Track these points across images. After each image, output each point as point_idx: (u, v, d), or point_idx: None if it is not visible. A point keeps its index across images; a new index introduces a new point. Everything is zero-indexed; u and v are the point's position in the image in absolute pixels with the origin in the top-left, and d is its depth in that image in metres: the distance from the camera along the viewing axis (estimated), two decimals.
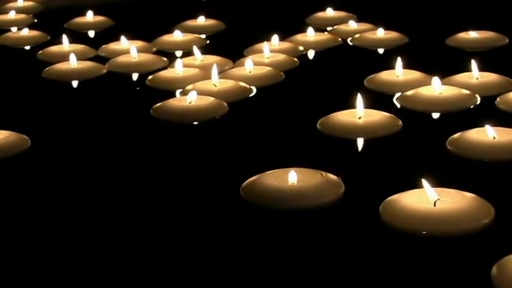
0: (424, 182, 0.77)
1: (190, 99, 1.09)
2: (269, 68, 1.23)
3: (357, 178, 0.88)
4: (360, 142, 0.98)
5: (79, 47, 1.42)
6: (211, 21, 1.56)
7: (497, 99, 1.07)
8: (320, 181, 0.83)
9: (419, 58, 1.31)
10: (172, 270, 0.73)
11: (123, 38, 1.42)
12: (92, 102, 1.20)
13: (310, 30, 1.43)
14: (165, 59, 1.33)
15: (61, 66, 1.30)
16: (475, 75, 1.15)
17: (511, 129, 0.93)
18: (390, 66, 1.20)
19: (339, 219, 0.81)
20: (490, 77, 1.15)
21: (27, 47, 1.47)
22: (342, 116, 1.01)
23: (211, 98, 1.11)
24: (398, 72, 1.18)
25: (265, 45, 1.32)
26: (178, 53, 1.39)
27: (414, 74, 1.18)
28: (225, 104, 1.11)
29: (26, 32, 1.49)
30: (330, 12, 1.58)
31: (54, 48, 1.42)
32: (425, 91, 1.10)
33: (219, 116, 1.08)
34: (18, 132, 1.01)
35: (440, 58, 1.34)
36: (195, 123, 1.07)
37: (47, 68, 1.31)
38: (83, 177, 0.94)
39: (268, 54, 1.29)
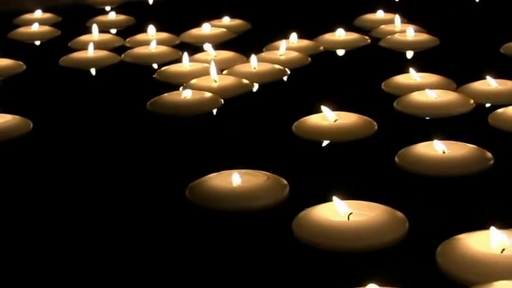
0: (335, 198, 0.74)
1: (185, 94, 1.09)
2: (273, 65, 1.22)
3: (306, 181, 0.86)
4: (325, 144, 0.96)
5: (107, 36, 1.44)
6: (237, 21, 1.54)
7: (494, 112, 1.01)
8: (264, 183, 0.81)
9: (451, 62, 1.28)
10: (113, 267, 0.73)
11: (150, 28, 1.43)
12: (101, 91, 1.22)
13: (340, 29, 1.40)
14: (179, 52, 1.34)
15: (77, 54, 1.33)
16: (491, 82, 1.10)
17: (464, 143, 0.88)
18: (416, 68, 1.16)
19: (271, 225, 0.78)
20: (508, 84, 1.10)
21: (37, 42, 1.49)
22: (317, 119, 0.99)
23: (206, 93, 1.11)
24: (416, 76, 1.14)
25: (282, 43, 1.31)
26: (207, 47, 1.38)
27: (433, 78, 1.14)
28: (220, 99, 1.10)
29: (36, 27, 1.51)
30: (380, 14, 1.52)
31: (84, 38, 1.44)
32: (419, 96, 1.06)
33: (208, 110, 1.08)
34: (29, 117, 1.05)
35: (473, 63, 1.28)
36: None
37: (63, 57, 1.34)
38: (69, 163, 0.95)
39: (282, 52, 1.27)
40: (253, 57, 1.21)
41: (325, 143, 0.96)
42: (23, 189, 0.89)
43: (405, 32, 1.38)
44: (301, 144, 0.97)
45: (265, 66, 1.21)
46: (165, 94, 1.12)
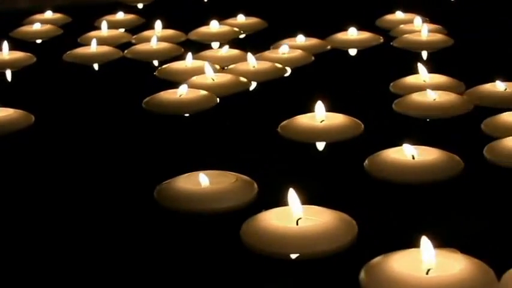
0: (291, 199, 0.71)
1: (180, 92, 1.07)
2: (272, 63, 1.20)
3: (278, 183, 0.81)
4: (321, 145, 0.93)
5: (116, 32, 1.44)
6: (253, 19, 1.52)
7: (489, 118, 0.96)
8: (231, 185, 0.79)
9: (465, 63, 1.24)
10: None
11: (157, 24, 1.42)
12: (101, 87, 1.22)
13: (352, 29, 1.36)
14: (181, 48, 1.33)
15: (80, 50, 1.33)
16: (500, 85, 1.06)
17: (433, 148, 0.84)
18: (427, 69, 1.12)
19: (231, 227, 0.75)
20: None
21: (39, 41, 1.47)
22: (304, 119, 0.96)
23: (202, 91, 1.09)
24: (425, 77, 1.10)
25: (287, 41, 1.30)
26: (215, 45, 1.37)
27: (442, 79, 1.11)
28: (216, 97, 1.08)
29: (38, 26, 1.49)
30: (399, 15, 1.48)
31: (92, 34, 1.43)
32: (418, 96, 1.03)
33: (203, 109, 1.06)
34: (30, 111, 1.05)
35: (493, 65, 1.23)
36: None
37: (67, 52, 1.33)
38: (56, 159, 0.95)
39: (285, 50, 1.25)
40: (250, 56, 1.19)
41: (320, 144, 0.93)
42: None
43: (419, 32, 1.33)
44: (285, 145, 0.94)
45: (265, 65, 1.19)
46: (161, 92, 1.10)
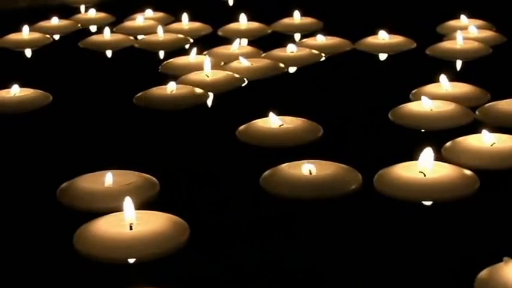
0: (127, 202, 0.69)
1: (171, 89, 1.05)
2: (268, 61, 1.17)
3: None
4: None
5: (149, 23, 1.43)
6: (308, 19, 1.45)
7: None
8: (125, 186, 0.77)
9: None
10: None
11: (184, 16, 1.41)
12: (108, 75, 1.21)
13: (382, 32, 1.29)
14: (189, 39, 1.32)
15: (95, 38, 1.35)
16: None
17: (333, 162, 0.79)
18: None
19: None
20: None
21: (57, 36, 1.44)
22: (262, 123, 0.92)
23: (192, 87, 1.07)
24: (447, 86, 1.04)
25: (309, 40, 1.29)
26: (244, 41, 1.34)
27: (464, 88, 1.04)
28: (207, 94, 1.06)
29: (56, 21, 1.47)
30: (464, 20, 1.38)
31: (128, 24, 1.44)
32: (414, 106, 0.98)
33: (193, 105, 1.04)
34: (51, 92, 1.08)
35: None
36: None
37: (84, 39, 1.35)
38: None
39: (295, 49, 1.21)
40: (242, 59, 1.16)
41: None
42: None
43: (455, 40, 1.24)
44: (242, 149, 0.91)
45: (260, 63, 1.16)
46: (152, 88, 1.07)
